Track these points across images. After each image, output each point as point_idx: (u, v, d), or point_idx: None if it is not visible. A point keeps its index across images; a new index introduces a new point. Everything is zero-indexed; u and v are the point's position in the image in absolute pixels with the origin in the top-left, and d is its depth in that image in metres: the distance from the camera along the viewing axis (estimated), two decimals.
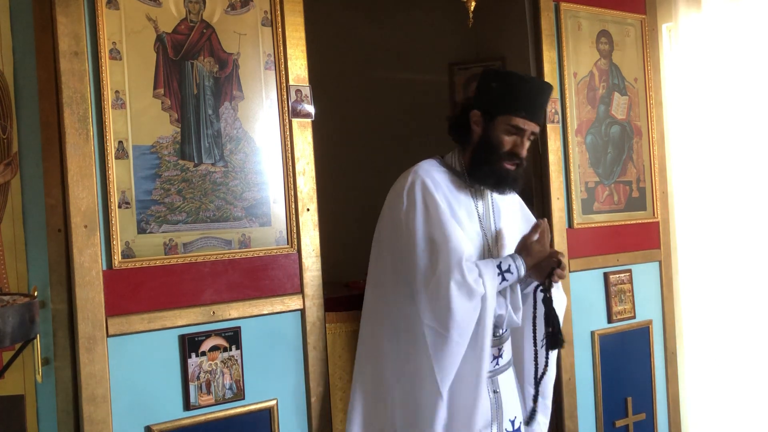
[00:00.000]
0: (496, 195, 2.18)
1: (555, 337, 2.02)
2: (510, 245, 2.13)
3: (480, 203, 2.14)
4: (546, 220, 2.11)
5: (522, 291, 2.13)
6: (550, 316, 2.02)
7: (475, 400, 1.93)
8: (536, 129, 2.07)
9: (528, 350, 2.19)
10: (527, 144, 2.07)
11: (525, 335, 2.22)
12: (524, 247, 2.06)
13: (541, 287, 2.05)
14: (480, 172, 2.08)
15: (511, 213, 2.23)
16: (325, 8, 3.42)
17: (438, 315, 1.91)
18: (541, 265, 2.05)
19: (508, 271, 2.00)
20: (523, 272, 2.01)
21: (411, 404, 2.00)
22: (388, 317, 2.07)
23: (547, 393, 2.24)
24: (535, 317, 2.07)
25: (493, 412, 2.06)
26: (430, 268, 1.94)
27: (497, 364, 2.09)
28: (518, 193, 2.29)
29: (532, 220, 2.28)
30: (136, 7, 2.02)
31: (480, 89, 2.13)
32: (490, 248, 2.12)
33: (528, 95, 2.05)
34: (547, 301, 2.02)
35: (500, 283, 1.98)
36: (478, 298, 1.91)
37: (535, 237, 2.07)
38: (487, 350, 1.94)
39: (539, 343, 2.07)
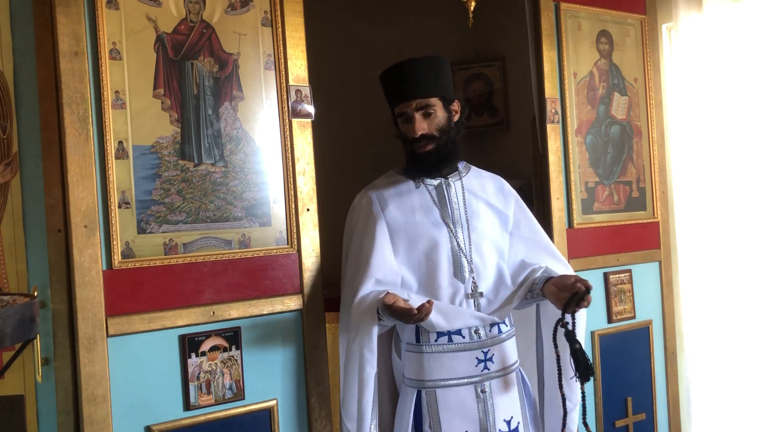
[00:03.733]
0: (467, 184, 2.22)
1: (585, 372, 1.95)
2: (480, 228, 2.17)
3: (440, 196, 2.17)
4: (423, 307, 1.84)
5: (528, 300, 2.17)
6: (577, 352, 1.95)
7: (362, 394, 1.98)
8: (423, 102, 2.08)
9: (553, 388, 2.19)
10: (423, 121, 2.08)
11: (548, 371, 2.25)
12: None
13: (560, 323, 1.96)
14: (409, 166, 2.19)
15: (484, 201, 2.22)
16: (325, 8, 3.42)
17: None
18: (559, 296, 2.00)
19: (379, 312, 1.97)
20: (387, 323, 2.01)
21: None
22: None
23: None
24: (558, 357, 2.02)
25: (480, 412, 2.07)
26: (347, 286, 2.14)
27: (485, 368, 2.08)
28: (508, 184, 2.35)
29: (523, 207, 2.31)
30: (136, 7, 2.02)
31: None
32: (455, 233, 2.14)
33: (394, 81, 2.12)
34: (570, 336, 1.95)
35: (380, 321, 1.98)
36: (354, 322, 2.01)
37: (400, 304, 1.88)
38: (366, 363, 1.97)
39: (568, 384, 2.05)
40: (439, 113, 2.10)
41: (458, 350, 2.06)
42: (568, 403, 2.08)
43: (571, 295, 1.96)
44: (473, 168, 2.30)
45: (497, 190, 2.28)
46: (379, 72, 2.19)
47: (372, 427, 2.00)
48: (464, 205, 2.18)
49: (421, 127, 2.08)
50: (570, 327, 1.96)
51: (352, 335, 2.00)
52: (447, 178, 2.20)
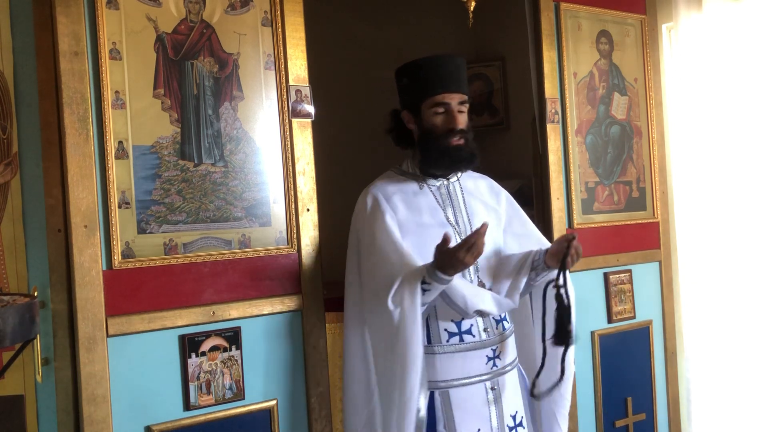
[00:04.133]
0: (464, 185, 2.22)
1: (565, 335, 2.00)
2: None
3: (445, 198, 2.17)
4: (479, 232, 1.88)
5: (534, 281, 2.16)
6: (562, 313, 2.00)
7: (402, 417, 1.93)
8: (463, 98, 2.10)
9: (538, 349, 2.18)
10: (461, 116, 2.10)
11: (536, 336, 2.24)
12: (441, 257, 1.94)
13: (553, 283, 2.02)
14: (432, 160, 2.13)
15: (481, 201, 2.24)
16: (325, 8, 3.42)
17: (378, 329, 2.03)
18: (555, 259, 2.05)
19: (425, 282, 1.94)
20: (443, 282, 1.94)
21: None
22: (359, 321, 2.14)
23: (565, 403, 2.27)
24: (544, 314, 2.04)
25: (491, 410, 2.07)
26: (370, 286, 2.06)
27: (494, 365, 2.09)
28: (505, 187, 2.36)
29: (512, 202, 2.32)
30: (136, 7, 2.02)
31: (399, 90, 2.21)
32: (460, 234, 2.13)
33: (435, 71, 2.10)
34: (559, 298, 2.00)
35: (424, 295, 1.95)
36: (395, 315, 1.94)
37: (456, 249, 1.89)
38: (411, 360, 1.92)
39: (548, 342, 2.06)
40: (466, 113, 2.14)
41: (469, 349, 2.07)
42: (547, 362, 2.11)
43: (563, 255, 2.02)
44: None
45: (489, 190, 2.31)
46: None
47: (422, 407, 1.94)
48: (465, 206, 2.19)
49: (462, 120, 2.09)
50: (562, 288, 1.99)
51: (396, 315, 1.93)
52: (448, 179, 2.20)
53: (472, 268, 2.11)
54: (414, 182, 2.18)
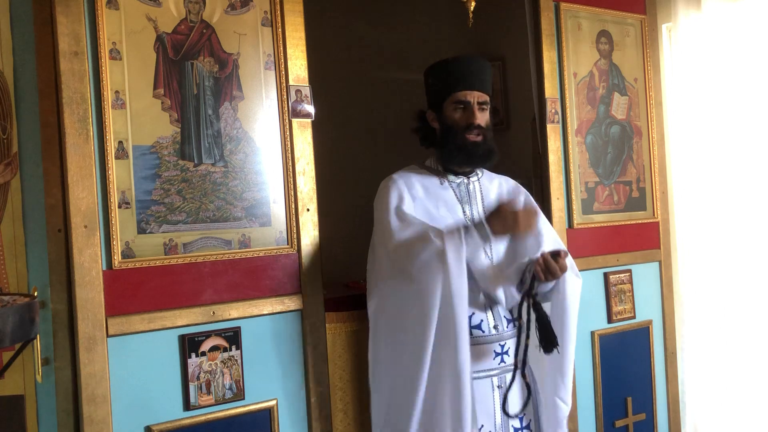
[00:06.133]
0: (483, 185, 2.25)
1: (548, 341, 2.01)
2: None
3: (464, 195, 2.21)
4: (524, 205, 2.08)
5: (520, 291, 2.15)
6: (541, 321, 2.00)
7: (459, 397, 1.92)
8: (483, 98, 2.16)
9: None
10: (481, 113, 2.15)
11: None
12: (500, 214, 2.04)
13: (528, 291, 2.02)
14: (449, 154, 2.18)
15: (496, 200, 2.26)
16: (325, 8, 3.42)
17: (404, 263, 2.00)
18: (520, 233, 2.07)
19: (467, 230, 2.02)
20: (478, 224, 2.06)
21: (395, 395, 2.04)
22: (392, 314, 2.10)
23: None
24: (529, 321, 2.04)
25: (496, 406, 2.08)
26: (396, 236, 2.04)
27: (502, 361, 2.10)
28: (513, 182, 2.38)
29: (530, 202, 2.35)
30: (136, 7, 2.02)
31: (426, 91, 2.27)
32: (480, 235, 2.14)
33: (457, 70, 2.16)
34: (537, 306, 2.00)
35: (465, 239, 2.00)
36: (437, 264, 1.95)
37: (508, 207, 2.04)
38: (461, 331, 1.93)
39: (532, 347, 2.05)
40: (487, 112, 2.19)
41: (478, 344, 2.08)
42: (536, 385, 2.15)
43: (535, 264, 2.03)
44: (485, 171, 2.34)
45: (507, 192, 2.33)
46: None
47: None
48: (483, 204, 2.22)
49: (482, 117, 2.14)
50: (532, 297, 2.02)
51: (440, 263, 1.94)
52: (468, 178, 2.24)
53: (489, 257, 2.12)
54: (435, 177, 2.22)
